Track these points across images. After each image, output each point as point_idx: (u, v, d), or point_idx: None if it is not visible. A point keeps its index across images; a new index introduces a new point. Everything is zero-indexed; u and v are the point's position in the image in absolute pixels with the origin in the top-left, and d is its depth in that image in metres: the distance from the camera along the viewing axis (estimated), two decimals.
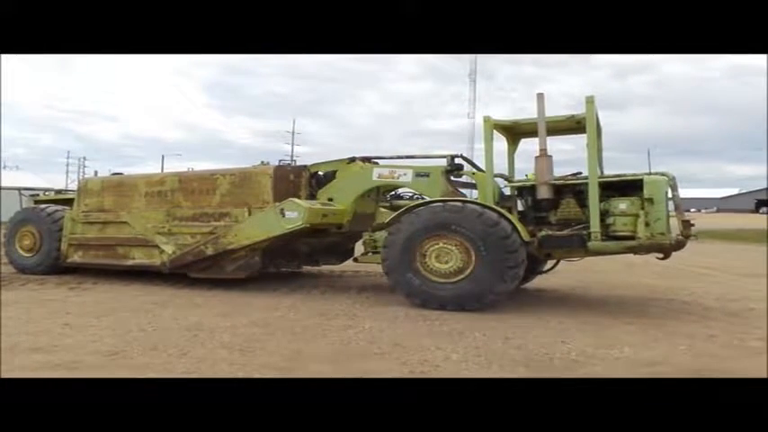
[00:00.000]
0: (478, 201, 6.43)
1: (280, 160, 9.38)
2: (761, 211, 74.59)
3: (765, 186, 74.62)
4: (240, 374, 3.74)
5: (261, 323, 5.38)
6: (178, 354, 4.22)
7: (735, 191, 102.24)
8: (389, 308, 6.20)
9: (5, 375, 3.60)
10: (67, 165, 70.36)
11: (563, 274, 8.30)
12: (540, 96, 6.19)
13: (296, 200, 7.05)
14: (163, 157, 56.57)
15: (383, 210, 8.39)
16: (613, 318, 5.75)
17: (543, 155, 6.19)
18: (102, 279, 8.29)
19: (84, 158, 68.11)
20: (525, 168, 7.18)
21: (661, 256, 6.11)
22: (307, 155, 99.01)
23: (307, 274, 9.23)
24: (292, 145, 60.81)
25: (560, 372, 3.90)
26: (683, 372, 3.87)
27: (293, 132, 61.60)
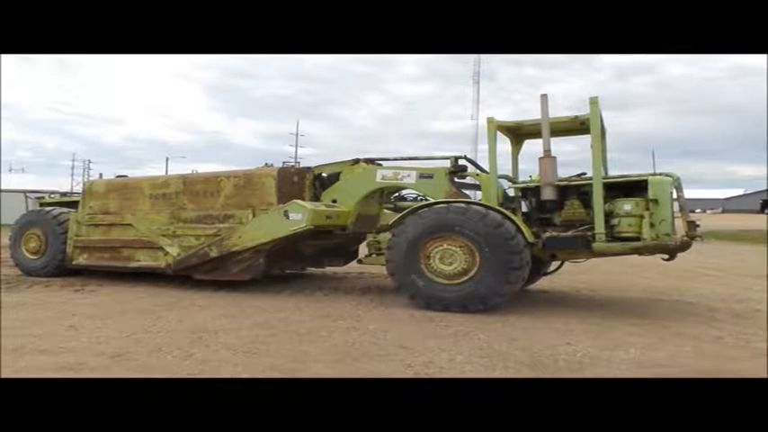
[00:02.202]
0: (482, 202, 6.41)
1: (284, 162, 9.40)
2: (766, 211, 74.17)
3: None
4: (244, 376, 3.75)
5: (265, 325, 5.38)
6: (182, 355, 4.23)
7: (740, 191, 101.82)
8: (393, 309, 6.19)
9: (7, 376, 3.61)
10: (72, 167, 70.74)
11: (567, 275, 8.28)
12: (544, 97, 6.18)
13: (300, 202, 7.05)
14: (167, 159, 56.68)
15: (387, 211, 8.39)
16: (619, 319, 5.73)
17: (547, 156, 6.18)
18: (107, 281, 8.31)
19: (89, 161, 68.47)
20: (528, 170, 7.18)
21: (666, 257, 6.08)
22: (310, 156, 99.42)
23: (310, 275, 9.24)
24: (296, 146, 60.85)
25: (565, 373, 3.88)
26: (688, 374, 3.85)
27: (297, 134, 61.64)
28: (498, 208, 6.09)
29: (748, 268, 11.15)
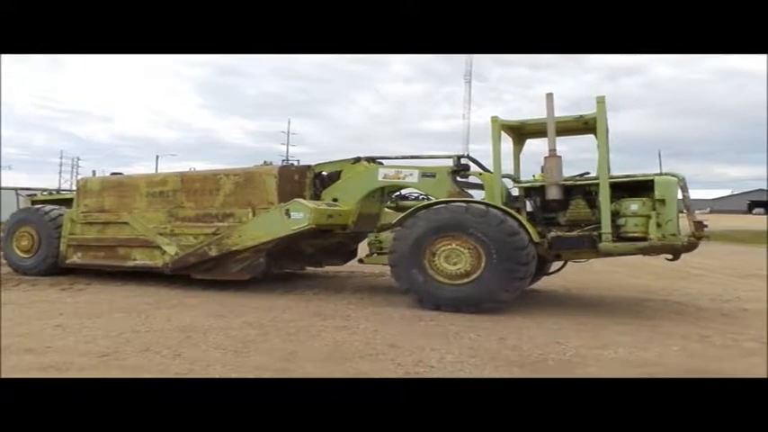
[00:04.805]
0: (502, 207, 6.14)
1: (283, 160, 9.31)
2: (753, 211, 75.12)
3: (757, 188, 75.18)
4: (234, 375, 3.72)
5: (255, 324, 5.35)
6: (171, 355, 4.19)
7: (727, 192, 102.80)
8: (384, 308, 6.19)
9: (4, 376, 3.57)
10: (60, 165, 70.27)
11: (558, 274, 8.29)
12: (550, 96, 6.09)
13: (301, 200, 6.97)
14: (157, 157, 56.41)
15: (388, 210, 8.34)
16: (608, 318, 5.76)
17: (553, 155, 6.11)
18: (95, 280, 8.24)
19: (78, 158, 67.91)
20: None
21: (670, 256, 6.06)
22: (301, 155, 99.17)
23: (301, 274, 9.19)
24: (287, 145, 60.78)
25: (555, 372, 3.89)
26: (675, 372, 3.88)
27: (288, 132, 61.52)
28: (516, 215, 5.96)
29: (736, 268, 11.25)
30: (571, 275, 8.86)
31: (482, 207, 6.03)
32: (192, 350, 4.35)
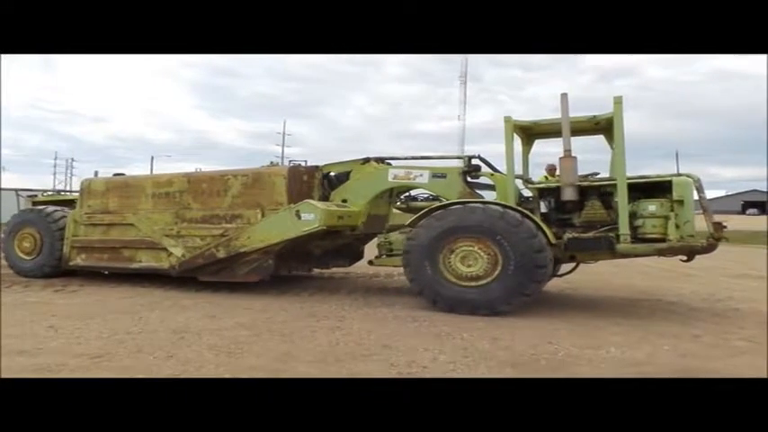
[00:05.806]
0: (536, 219, 6.01)
1: (290, 161, 9.20)
2: (747, 212, 75.50)
3: (751, 189, 75.59)
4: (227, 376, 3.72)
5: (248, 325, 5.35)
6: (164, 356, 4.19)
7: (721, 192, 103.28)
8: (378, 309, 6.20)
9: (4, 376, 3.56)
10: (55, 166, 70.07)
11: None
12: (564, 97, 6.04)
13: (312, 201, 6.92)
14: (152, 158, 56.20)
15: (396, 211, 8.32)
16: (600, 318, 5.78)
17: (568, 156, 6.07)
18: (88, 282, 8.21)
19: (73, 159, 67.76)
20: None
21: (684, 257, 6.04)
22: (297, 155, 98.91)
23: (296, 276, 9.19)
24: (283, 146, 60.57)
25: (547, 372, 3.91)
26: (667, 371, 3.90)
27: (284, 133, 61.32)
28: (546, 230, 5.86)
29: (729, 268, 11.31)
30: (565, 276, 8.89)
31: (517, 216, 5.87)
32: (185, 351, 4.34)
